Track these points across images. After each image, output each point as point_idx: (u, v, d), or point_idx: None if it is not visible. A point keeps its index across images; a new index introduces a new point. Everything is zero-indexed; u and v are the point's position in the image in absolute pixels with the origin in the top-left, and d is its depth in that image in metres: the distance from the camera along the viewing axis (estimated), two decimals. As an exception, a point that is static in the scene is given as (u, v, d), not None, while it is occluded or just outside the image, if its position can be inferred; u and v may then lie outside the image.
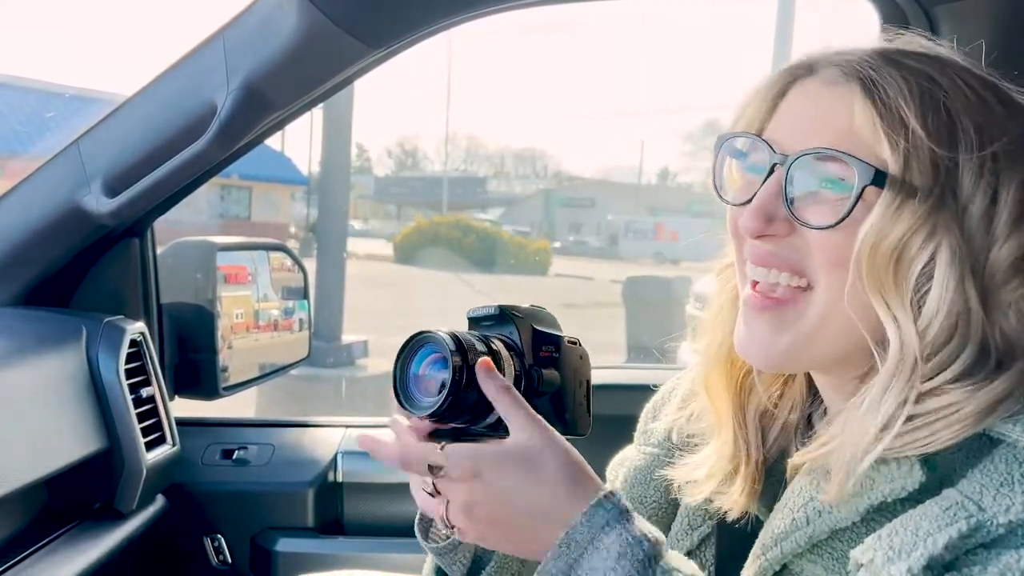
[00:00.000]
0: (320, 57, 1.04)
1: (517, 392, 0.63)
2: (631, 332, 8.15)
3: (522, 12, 1.10)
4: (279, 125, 1.21)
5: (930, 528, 0.53)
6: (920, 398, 0.58)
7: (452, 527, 0.62)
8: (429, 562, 0.82)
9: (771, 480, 0.71)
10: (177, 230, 1.68)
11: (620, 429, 0.90)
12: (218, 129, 1.05)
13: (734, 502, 0.71)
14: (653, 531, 0.59)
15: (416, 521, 0.79)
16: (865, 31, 1.19)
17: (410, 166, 50.03)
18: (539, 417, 0.62)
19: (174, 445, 1.28)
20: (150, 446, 1.21)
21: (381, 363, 6.81)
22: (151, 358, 1.26)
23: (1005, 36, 1.04)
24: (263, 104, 1.07)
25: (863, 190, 0.59)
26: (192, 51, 1.09)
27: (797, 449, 0.69)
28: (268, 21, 1.01)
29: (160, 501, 1.29)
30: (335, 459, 1.48)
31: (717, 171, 0.70)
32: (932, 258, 0.58)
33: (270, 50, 1.02)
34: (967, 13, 1.08)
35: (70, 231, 1.21)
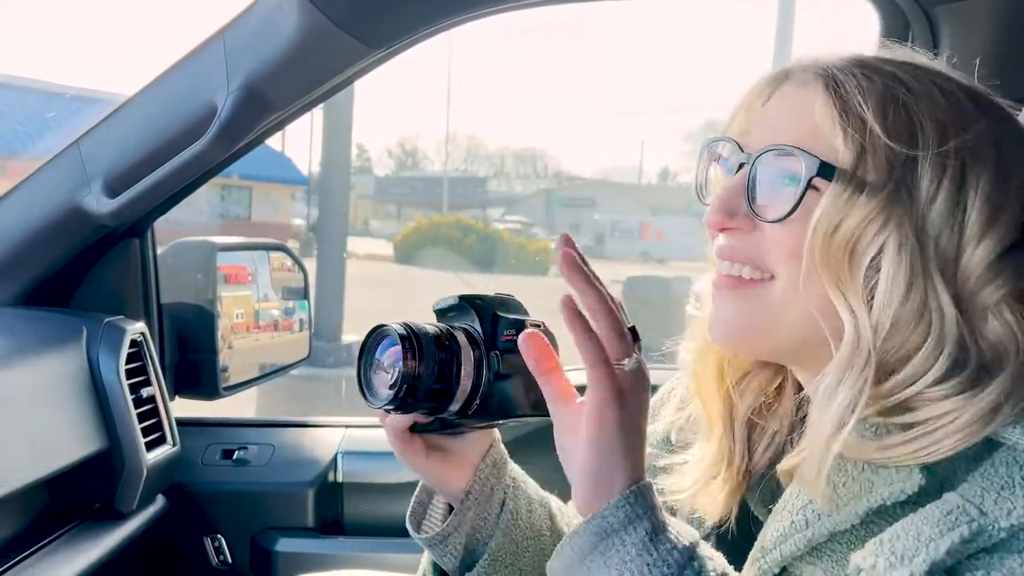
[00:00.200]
0: (320, 57, 1.04)
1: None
2: (631, 332, 8.13)
3: (523, 12, 1.10)
4: (279, 125, 1.21)
5: (932, 533, 0.53)
6: (910, 405, 0.58)
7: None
8: (426, 558, 0.82)
9: (770, 482, 0.71)
10: (177, 230, 1.68)
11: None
12: (218, 129, 1.05)
13: (712, 507, 0.72)
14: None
15: (408, 515, 0.79)
16: (865, 31, 1.20)
17: (410, 166, 50.05)
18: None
19: (174, 445, 1.28)
20: (150, 446, 1.21)
21: (381, 363, 6.78)
22: (151, 358, 1.26)
23: (1005, 36, 1.04)
24: (263, 104, 1.07)
25: (810, 182, 0.61)
26: (192, 51, 1.09)
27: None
28: (268, 21, 1.01)
29: (160, 501, 1.29)
30: (335, 459, 1.48)
31: (701, 175, 0.72)
32: (881, 250, 0.59)
33: (270, 50, 1.02)
34: (967, 13, 1.08)
35: (70, 231, 1.21)
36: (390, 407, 0.66)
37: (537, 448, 1.44)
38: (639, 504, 0.57)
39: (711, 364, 0.75)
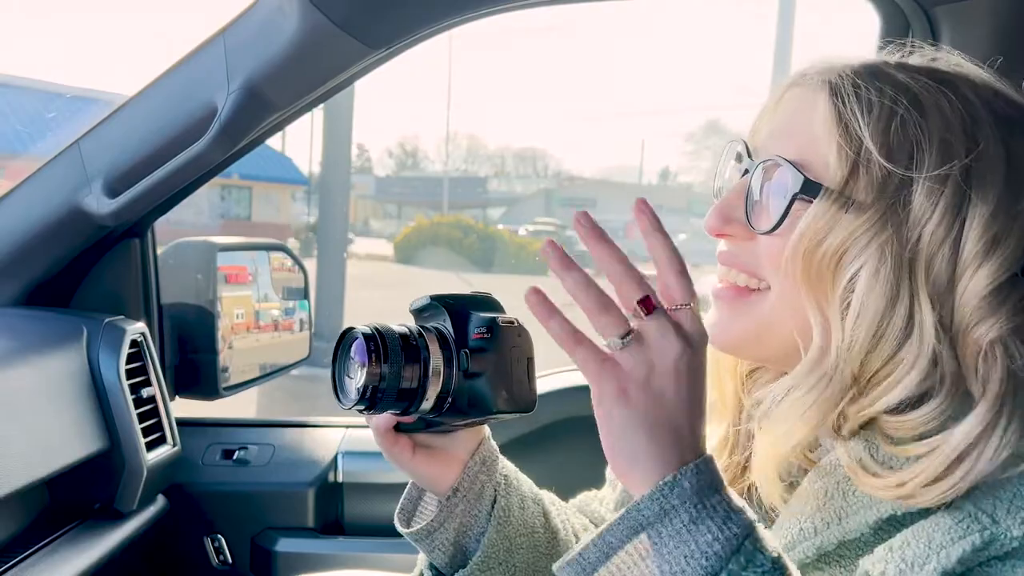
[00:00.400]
0: (321, 58, 1.04)
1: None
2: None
3: (523, 13, 1.10)
4: (280, 126, 1.21)
5: (943, 541, 0.52)
6: (889, 432, 0.57)
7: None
8: (421, 558, 0.82)
9: None
10: (178, 230, 1.68)
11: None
12: (219, 130, 1.05)
13: None
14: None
15: (397, 510, 0.79)
16: (865, 32, 1.20)
17: (411, 166, 50.04)
18: None
19: (175, 445, 1.28)
20: (151, 446, 1.21)
21: (381, 363, 6.78)
22: (152, 358, 1.26)
23: (1005, 37, 1.04)
24: (264, 105, 1.07)
25: (794, 198, 0.60)
26: (193, 52, 1.09)
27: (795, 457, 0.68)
28: (269, 22, 1.01)
29: (160, 501, 1.29)
30: (335, 459, 1.48)
31: (720, 173, 0.71)
32: (859, 272, 0.58)
33: (271, 51, 1.02)
34: (967, 14, 1.08)
35: (71, 231, 1.21)
36: (360, 408, 0.67)
37: (533, 448, 1.44)
38: (675, 495, 0.51)
39: (727, 355, 0.74)
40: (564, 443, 1.47)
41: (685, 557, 0.50)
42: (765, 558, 0.50)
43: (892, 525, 0.57)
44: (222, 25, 1.06)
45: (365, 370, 0.66)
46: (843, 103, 0.60)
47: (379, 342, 0.66)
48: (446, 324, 0.70)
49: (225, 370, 1.40)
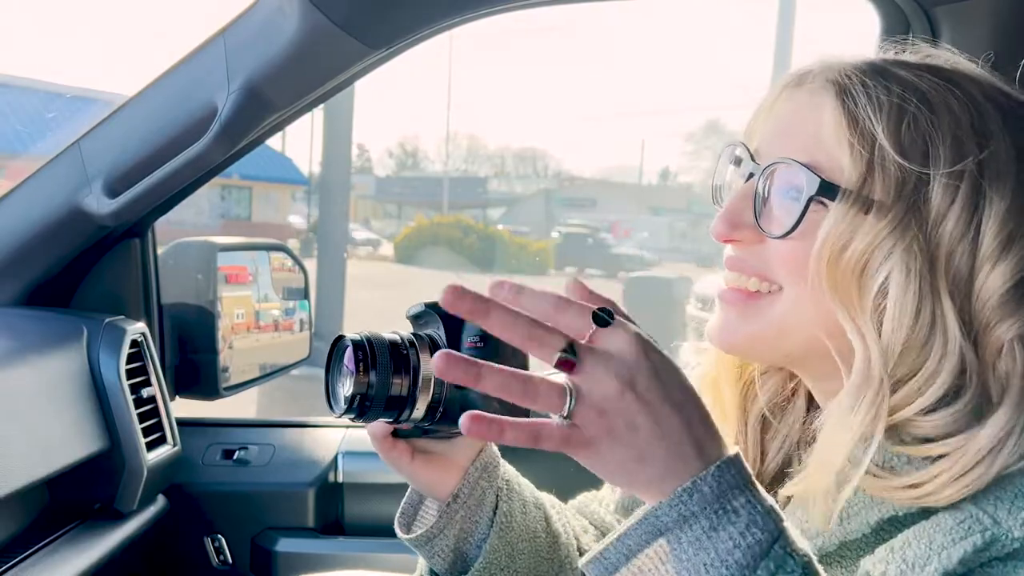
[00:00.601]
0: (321, 58, 1.04)
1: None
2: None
3: (523, 13, 1.10)
4: (280, 126, 1.21)
5: (944, 541, 0.52)
6: (908, 434, 0.57)
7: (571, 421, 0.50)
8: (422, 562, 0.81)
9: (780, 487, 0.71)
10: (178, 230, 1.68)
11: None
12: (219, 130, 1.05)
13: None
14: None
15: (397, 515, 0.79)
16: (865, 32, 1.19)
17: (411, 166, 50.03)
18: None
19: (175, 445, 1.28)
20: (151, 446, 1.21)
21: (381, 363, 6.77)
22: (152, 358, 1.26)
23: (1005, 37, 1.04)
24: (264, 105, 1.07)
25: (809, 201, 0.59)
26: (193, 52, 1.09)
27: (799, 462, 0.67)
28: (269, 22, 1.01)
29: (161, 501, 1.29)
30: (335, 459, 1.48)
31: (719, 175, 0.70)
32: (890, 275, 0.57)
33: (271, 51, 1.02)
34: (967, 14, 1.08)
35: (71, 231, 1.21)
36: (349, 416, 0.66)
37: (533, 453, 1.44)
38: (694, 500, 0.49)
39: (729, 362, 0.73)
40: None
41: (705, 565, 0.48)
42: (796, 563, 0.48)
43: (893, 525, 0.57)
44: (222, 25, 1.06)
45: (353, 379, 0.65)
46: (853, 102, 0.59)
47: (367, 351, 0.66)
48: (440, 332, 0.70)
49: (225, 370, 1.40)
